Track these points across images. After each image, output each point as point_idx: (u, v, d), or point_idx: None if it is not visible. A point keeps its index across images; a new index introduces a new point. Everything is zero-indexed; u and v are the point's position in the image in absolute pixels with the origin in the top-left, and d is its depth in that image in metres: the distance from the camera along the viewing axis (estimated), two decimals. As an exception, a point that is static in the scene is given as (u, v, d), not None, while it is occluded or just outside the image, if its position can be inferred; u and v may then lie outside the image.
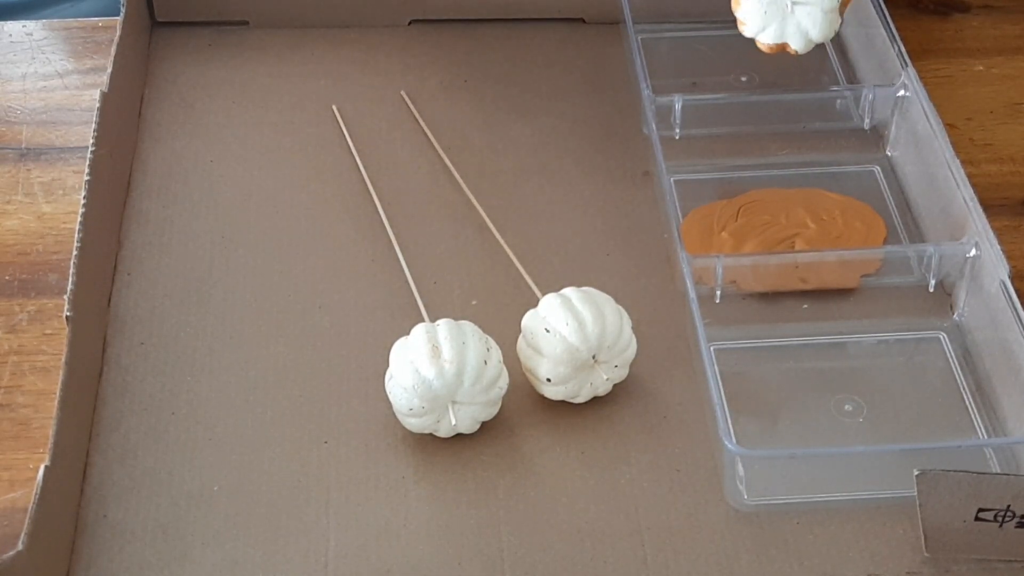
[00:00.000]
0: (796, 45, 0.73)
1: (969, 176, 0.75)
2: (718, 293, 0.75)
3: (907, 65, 0.82)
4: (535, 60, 0.90)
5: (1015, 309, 0.69)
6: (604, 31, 0.92)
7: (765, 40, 0.73)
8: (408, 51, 0.91)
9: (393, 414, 0.68)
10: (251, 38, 0.91)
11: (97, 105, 0.77)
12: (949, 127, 0.80)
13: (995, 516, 0.62)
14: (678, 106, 0.83)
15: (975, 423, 0.70)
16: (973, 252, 0.73)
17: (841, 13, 0.73)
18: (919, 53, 0.90)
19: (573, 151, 0.84)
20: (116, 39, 0.82)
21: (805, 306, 0.75)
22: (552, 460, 0.68)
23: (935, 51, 0.92)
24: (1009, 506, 0.62)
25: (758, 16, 0.73)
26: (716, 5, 0.92)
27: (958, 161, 0.76)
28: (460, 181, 0.81)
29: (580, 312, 0.67)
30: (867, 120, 0.85)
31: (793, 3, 0.72)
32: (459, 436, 0.69)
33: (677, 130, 0.84)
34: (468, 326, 0.67)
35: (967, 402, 0.71)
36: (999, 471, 0.67)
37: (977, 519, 0.62)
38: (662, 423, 0.70)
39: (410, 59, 0.91)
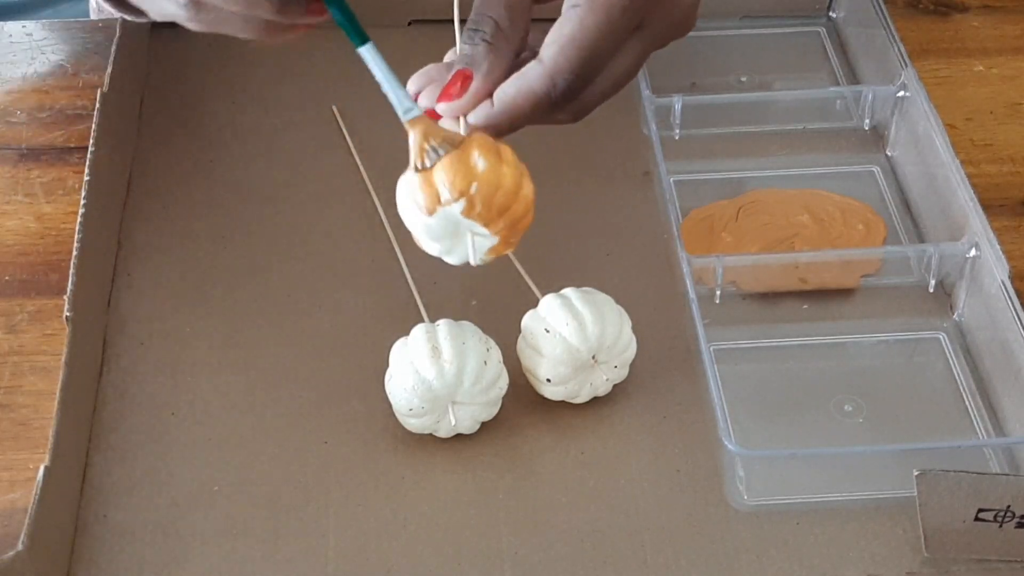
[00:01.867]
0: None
1: (969, 176, 0.75)
2: (718, 293, 0.75)
3: (907, 65, 0.82)
4: (535, 60, 0.90)
5: (1015, 309, 0.69)
6: (604, 31, 0.92)
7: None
8: (408, 51, 0.91)
9: (393, 414, 0.68)
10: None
11: (97, 105, 0.77)
12: (949, 127, 0.80)
13: (995, 516, 0.62)
14: (678, 106, 0.83)
15: (975, 423, 0.70)
16: (973, 252, 0.73)
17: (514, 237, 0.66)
18: (919, 53, 0.90)
19: (573, 151, 0.84)
20: (116, 39, 0.82)
21: (805, 306, 0.75)
22: (552, 460, 0.68)
23: (935, 51, 0.92)
24: (1009, 506, 0.62)
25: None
26: (716, 5, 0.92)
27: (958, 161, 0.76)
28: (460, 181, 0.80)
29: (580, 312, 0.67)
30: (867, 120, 0.85)
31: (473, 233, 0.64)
32: (459, 436, 0.69)
33: (677, 130, 0.84)
34: (468, 326, 0.67)
35: (967, 402, 0.71)
36: (999, 471, 0.67)
37: (977, 519, 0.62)
38: (662, 423, 0.70)
39: (410, 59, 0.90)
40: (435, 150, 0.63)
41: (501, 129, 0.65)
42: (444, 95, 0.65)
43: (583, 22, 0.64)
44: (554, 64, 0.64)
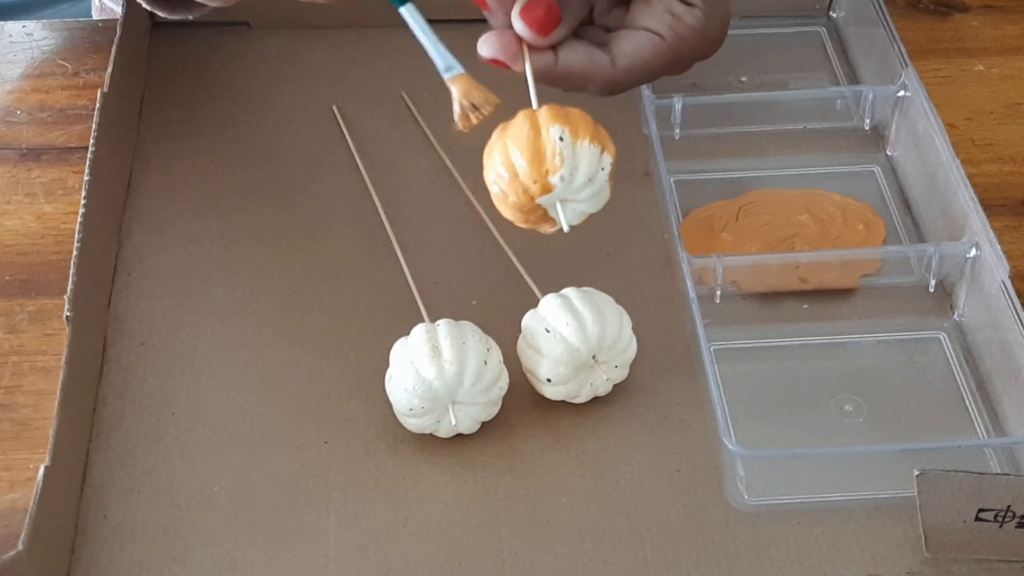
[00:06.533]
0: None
1: (969, 176, 0.75)
2: (718, 293, 0.75)
3: (907, 65, 0.82)
4: (535, 60, 0.90)
5: (1015, 309, 0.69)
6: (604, 31, 0.92)
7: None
8: (408, 51, 0.90)
9: (393, 414, 0.68)
10: (251, 38, 0.91)
11: (97, 105, 0.77)
12: (949, 127, 0.80)
13: (995, 516, 0.62)
14: (678, 106, 0.83)
15: (975, 423, 0.70)
16: (973, 252, 0.73)
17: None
18: (919, 53, 0.90)
19: (573, 151, 0.84)
20: (116, 39, 0.82)
21: (805, 306, 0.75)
22: (552, 460, 0.68)
23: (935, 51, 0.92)
24: (1009, 506, 0.62)
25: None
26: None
27: (958, 161, 0.76)
28: (460, 181, 0.81)
29: (580, 312, 0.67)
30: (867, 120, 0.85)
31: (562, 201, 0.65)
32: (459, 436, 0.69)
33: (677, 130, 0.84)
34: (468, 326, 0.67)
35: (967, 402, 0.71)
36: (999, 471, 0.67)
37: (977, 519, 0.62)
38: (662, 423, 0.70)
39: (410, 59, 0.90)
40: (475, 107, 0.64)
41: (543, 81, 0.66)
42: (529, 17, 0.65)
43: (661, 57, 0.67)
44: (621, 76, 0.66)
